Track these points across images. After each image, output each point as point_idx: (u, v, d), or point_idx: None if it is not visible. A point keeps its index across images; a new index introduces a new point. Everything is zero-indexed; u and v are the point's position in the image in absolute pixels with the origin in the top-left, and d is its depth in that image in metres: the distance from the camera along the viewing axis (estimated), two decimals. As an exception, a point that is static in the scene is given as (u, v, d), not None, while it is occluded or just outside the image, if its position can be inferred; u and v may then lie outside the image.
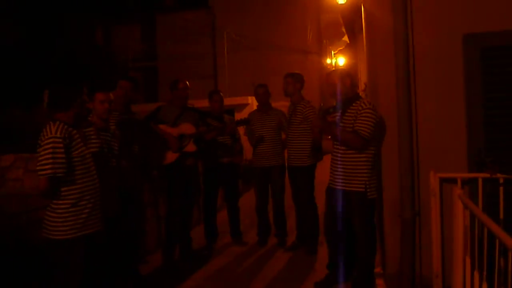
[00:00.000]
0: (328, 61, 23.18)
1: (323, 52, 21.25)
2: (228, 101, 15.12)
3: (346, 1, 10.74)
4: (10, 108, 9.66)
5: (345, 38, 21.29)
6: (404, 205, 3.67)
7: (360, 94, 4.31)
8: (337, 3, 11.06)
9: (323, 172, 4.89)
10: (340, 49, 24.32)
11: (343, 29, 19.74)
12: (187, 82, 4.96)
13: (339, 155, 3.82)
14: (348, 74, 3.92)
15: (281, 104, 5.74)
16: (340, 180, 3.81)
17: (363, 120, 3.63)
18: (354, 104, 3.75)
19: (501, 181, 3.24)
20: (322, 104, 4.49)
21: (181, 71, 17.88)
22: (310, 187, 5.08)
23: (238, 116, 10.68)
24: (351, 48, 23.48)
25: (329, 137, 4.06)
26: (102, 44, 20.73)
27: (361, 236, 3.78)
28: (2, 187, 5.74)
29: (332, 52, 24.57)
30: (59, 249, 2.92)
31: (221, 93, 5.69)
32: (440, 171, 3.46)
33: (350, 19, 17.21)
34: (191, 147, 4.82)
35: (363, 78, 13.82)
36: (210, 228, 5.50)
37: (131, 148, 4.26)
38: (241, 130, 5.79)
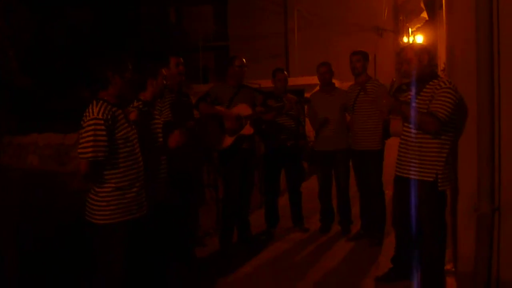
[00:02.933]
0: (405, 39, 22.04)
1: (399, 30, 20.22)
2: (297, 81, 14.87)
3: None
4: (78, 89, 10.02)
5: (424, 14, 20.07)
6: (482, 198, 3.26)
7: (440, 74, 3.89)
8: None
9: (388, 158, 4.55)
10: (418, 27, 23.00)
11: (422, 5, 18.59)
12: (244, 60, 4.74)
13: (410, 139, 3.42)
14: (426, 50, 3.48)
15: (347, 84, 5.38)
16: (409, 168, 3.44)
17: (441, 100, 3.20)
18: (431, 83, 3.34)
19: None
20: (394, 80, 4.12)
21: (252, 50, 17.79)
22: (379, 173, 4.74)
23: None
24: (430, 25, 22.13)
25: (399, 118, 3.67)
26: (174, 24, 21.04)
27: (429, 230, 3.43)
28: (66, 165, 5.90)
29: (410, 30, 23.30)
30: (101, 233, 2.82)
31: (285, 72, 5.43)
32: (525, 161, 3.04)
33: (430, -6, 16.13)
34: (247, 130, 4.59)
35: (442, 57, 12.93)
36: (270, 212, 5.33)
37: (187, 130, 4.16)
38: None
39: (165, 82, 3.70)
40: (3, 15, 11.86)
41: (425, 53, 3.44)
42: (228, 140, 4.58)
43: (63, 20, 12.27)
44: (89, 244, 2.92)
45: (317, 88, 5.38)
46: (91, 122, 2.71)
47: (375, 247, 4.61)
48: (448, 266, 3.80)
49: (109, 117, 2.75)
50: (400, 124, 3.60)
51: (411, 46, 3.55)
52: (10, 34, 11.77)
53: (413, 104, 3.39)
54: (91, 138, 2.68)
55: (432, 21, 20.74)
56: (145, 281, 3.26)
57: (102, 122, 2.71)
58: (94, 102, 2.78)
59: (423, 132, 3.33)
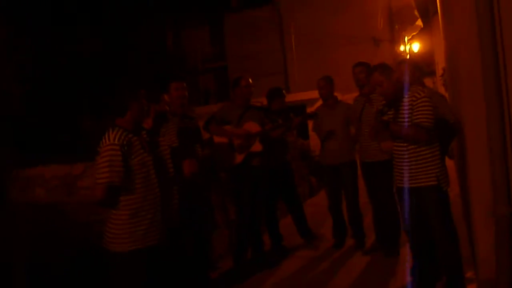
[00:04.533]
0: (402, 48, 22.11)
1: (395, 39, 20.33)
2: (298, 96, 14.88)
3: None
4: (81, 117, 10.03)
5: (419, 22, 20.18)
6: (498, 201, 3.21)
7: (438, 80, 3.96)
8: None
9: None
10: (414, 34, 23.10)
11: (416, 13, 18.71)
12: (250, 80, 4.74)
13: (404, 153, 3.51)
14: (389, 67, 3.65)
15: (351, 96, 5.36)
16: (408, 178, 3.50)
17: (421, 110, 3.36)
18: (405, 96, 3.48)
19: None
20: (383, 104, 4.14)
21: (250, 68, 17.84)
22: (390, 183, 4.67)
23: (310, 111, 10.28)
24: (426, 32, 22.23)
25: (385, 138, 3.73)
26: (172, 48, 21.20)
27: (442, 235, 3.45)
28: (74, 195, 5.88)
29: (406, 38, 23.41)
30: (118, 261, 2.80)
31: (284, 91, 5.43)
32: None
33: (423, 1, 16.24)
34: (257, 147, 4.59)
35: (440, 63, 12.95)
36: (276, 230, 5.22)
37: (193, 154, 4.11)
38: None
39: (167, 108, 3.70)
40: (5, 53, 11.87)
41: (392, 72, 3.60)
42: (239, 158, 4.57)
43: (66, 49, 12.37)
44: (103, 273, 2.90)
45: (320, 101, 5.35)
46: (107, 148, 2.76)
47: (391, 258, 4.52)
48: (468, 274, 3.72)
49: (124, 142, 2.79)
50: (390, 142, 3.67)
51: (377, 70, 3.64)
52: (12, 70, 11.79)
53: (397, 121, 3.51)
54: (107, 163, 2.73)
55: (427, 28, 20.86)
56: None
57: (118, 147, 2.76)
58: (111, 129, 2.84)
59: (414, 143, 3.45)
